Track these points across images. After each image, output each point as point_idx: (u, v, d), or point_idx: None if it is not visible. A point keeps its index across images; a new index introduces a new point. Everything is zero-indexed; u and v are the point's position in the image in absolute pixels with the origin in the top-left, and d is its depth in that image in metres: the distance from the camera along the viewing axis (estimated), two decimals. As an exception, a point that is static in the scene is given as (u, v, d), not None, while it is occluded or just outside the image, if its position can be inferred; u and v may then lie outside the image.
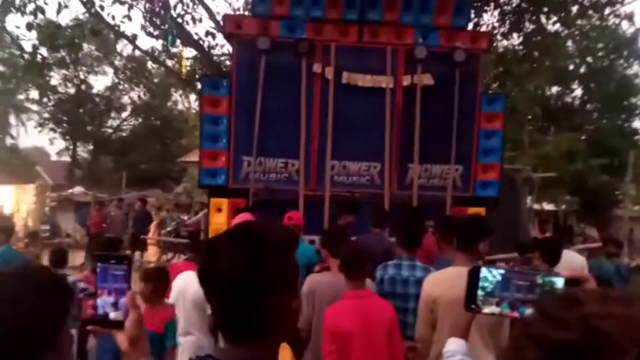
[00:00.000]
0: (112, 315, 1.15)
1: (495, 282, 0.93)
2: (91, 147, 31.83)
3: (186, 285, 3.67)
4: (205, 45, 10.35)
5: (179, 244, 11.98)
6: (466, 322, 1.63)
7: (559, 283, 0.89)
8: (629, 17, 19.22)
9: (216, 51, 11.03)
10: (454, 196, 5.91)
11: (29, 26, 9.27)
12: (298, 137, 5.75)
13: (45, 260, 7.27)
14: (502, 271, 0.93)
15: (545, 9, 9.81)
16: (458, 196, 5.95)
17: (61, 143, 32.07)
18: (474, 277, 0.94)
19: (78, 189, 18.57)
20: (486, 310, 0.94)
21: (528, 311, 0.90)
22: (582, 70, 21.22)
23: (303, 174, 5.77)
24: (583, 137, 19.17)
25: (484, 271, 0.93)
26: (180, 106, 31.18)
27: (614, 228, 17.25)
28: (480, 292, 0.93)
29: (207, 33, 10.41)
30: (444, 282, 2.57)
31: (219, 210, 5.78)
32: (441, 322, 2.51)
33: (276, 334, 1.08)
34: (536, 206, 15.48)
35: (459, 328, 1.68)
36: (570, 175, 16.75)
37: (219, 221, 5.73)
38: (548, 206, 17.82)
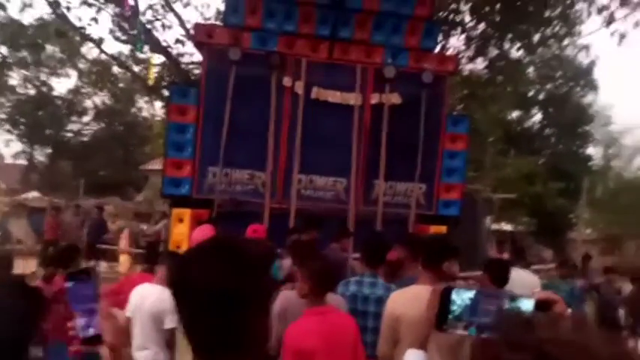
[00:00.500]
0: (90, 331, 1.13)
1: (464, 305, 0.93)
2: (49, 151, 30.72)
3: (143, 298, 3.56)
4: (174, 52, 10.24)
5: (137, 254, 11.68)
6: (426, 339, 1.64)
7: (529, 305, 0.91)
8: (586, 49, 20.18)
9: (185, 59, 10.93)
10: (417, 214, 6.00)
11: (-11, 23, 8.94)
12: (266, 149, 5.73)
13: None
14: (471, 295, 0.94)
15: (510, 35, 10.19)
16: (421, 214, 6.04)
17: (17, 146, 30.83)
18: (445, 297, 0.94)
19: (33, 194, 17.88)
20: (457, 331, 0.95)
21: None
22: (542, 96, 22.09)
23: (269, 187, 5.73)
24: (541, 161, 19.88)
25: (457, 293, 0.94)
26: (145, 113, 30.59)
27: (568, 250, 17.87)
28: (451, 315, 0.94)
29: (177, 41, 10.31)
30: (407, 300, 2.58)
31: (181, 220, 5.67)
32: (404, 340, 2.51)
33: (251, 351, 1.05)
34: (495, 226, 15.88)
35: (419, 345, 1.69)
36: (529, 197, 17.30)
37: (180, 232, 5.62)
38: (507, 226, 18.32)
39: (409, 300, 2.57)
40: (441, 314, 0.95)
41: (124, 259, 12.19)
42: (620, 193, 19.77)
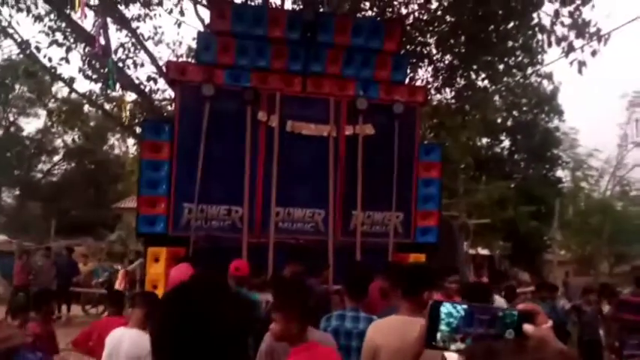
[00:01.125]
0: None
1: (459, 317, 0.93)
2: (17, 192, 29.91)
3: (120, 341, 3.45)
4: (146, 89, 10.22)
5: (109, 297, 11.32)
6: None
7: (514, 316, 0.92)
8: (549, 77, 20.99)
9: (158, 96, 10.92)
10: (395, 242, 6.03)
11: (-44, 65, 8.79)
12: (242, 184, 5.72)
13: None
14: (465, 306, 0.94)
15: (475, 66, 10.54)
16: (399, 242, 6.07)
17: (-17, 188, 29.92)
18: (434, 313, 0.93)
19: (1, 237, 17.27)
20: (452, 346, 0.94)
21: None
22: (509, 123, 22.74)
23: (247, 221, 5.69)
24: (512, 185, 20.31)
25: (448, 307, 0.94)
26: (116, 150, 30.22)
27: (545, 272, 18.11)
28: (445, 328, 0.93)
29: (149, 78, 10.31)
30: (387, 330, 2.56)
31: (157, 260, 5.56)
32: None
33: None
34: (471, 251, 16.03)
35: None
36: (502, 221, 17.58)
37: (156, 271, 5.50)
38: (483, 251, 18.51)
39: (389, 330, 2.56)
40: (431, 330, 0.94)
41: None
42: (590, 214, 20.27)
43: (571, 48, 7.46)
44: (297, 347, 2.48)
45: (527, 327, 0.90)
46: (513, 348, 0.77)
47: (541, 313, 0.93)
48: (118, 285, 11.67)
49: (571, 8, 7.44)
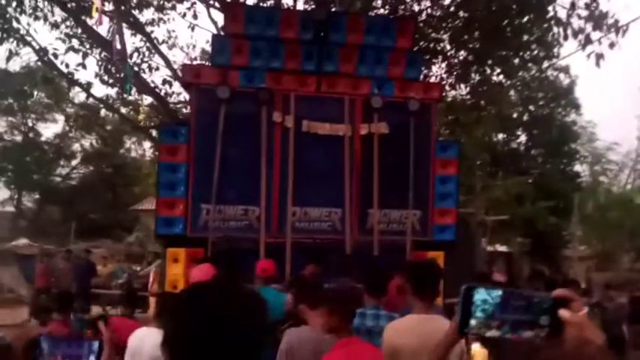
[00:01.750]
0: None
1: (494, 304, 0.91)
2: (37, 196, 30.44)
3: (142, 341, 3.49)
4: (162, 93, 10.33)
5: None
6: None
7: (550, 302, 0.91)
8: (565, 70, 20.69)
9: (172, 99, 11.03)
10: (413, 241, 6.00)
11: (-23, 73, 8.98)
12: (258, 184, 5.74)
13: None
14: (499, 292, 0.93)
15: (489, 61, 10.44)
16: (417, 240, 6.04)
17: (4, 193, 30.52)
18: (467, 299, 0.91)
19: (22, 241, 17.59)
20: (488, 333, 0.92)
21: (527, 333, 0.91)
22: (525, 117, 22.48)
23: (264, 221, 5.72)
24: (530, 181, 20.07)
25: (482, 292, 0.91)
26: (133, 154, 30.59)
27: (565, 268, 17.87)
28: (480, 315, 0.91)
29: (164, 81, 10.41)
30: (404, 330, 2.56)
31: (176, 260, 5.61)
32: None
33: None
34: (489, 248, 15.88)
35: None
36: (520, 217, 17.39)
37: (175, 272, 5.56)
38: (501, 248, 18.33)
39: (408, 330, 2.55)
40: (464, 317, 0.91)
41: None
42: (609, 209, 19.95)
43: (588, 40, 7.35)
44: (342, 341, 2.48)
45: (564, 312, 0.88)
46: (552, 345, 0.77)
47: (578, 300, 0.92)
48: (150, 286, 11.73)
49: (588, 0, 7.33)
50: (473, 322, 0.91)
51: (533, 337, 0.89)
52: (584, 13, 7.45)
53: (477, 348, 2.90)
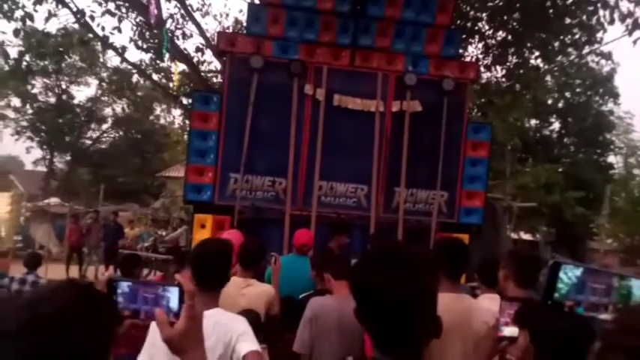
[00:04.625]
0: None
1: (571, 284, 0.91)
2: (68, 158, 31.25)
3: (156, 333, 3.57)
4: (194, 60, 10.37)
5: (155, 260, 11.77)
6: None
7: (631, 287, 0.90)
8: (607, 56, 19.91)
9: (204, 67, 11.07)
10: (439, 222, 5.96)
11: (16, 32, 9.16)
12: (287, 156, 5.75)
13: (15, 270, 7.03)
14: (578, 273, 0.92)
15: (529, 44, 10.13)
16: (442, 222, 6.00)
17: (37, 153, 31.41)
18: (554, 273, 0.92)
19: (54, 200, 18.13)
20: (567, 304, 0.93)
21: (603, 316, 0.91)
22: (560, 104, 21.85)
23: (290, 193, 5.75)
24: (560, 170, 19.63)
25: (567, 270, 0.92)
26: (162, 121, 30.98)
27: (589, 260, 17.55)
28: (556, 295, 0.92)
29: (197, 49, 10.44)
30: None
31: (203, 226, 5.70)
32: (439, 352, 2.48)
33: (421, 345, 1.20)
34: (514, 235, 15.69)
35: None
36: (548, 206, 17.07)
37: (202, 237, 5.63)
38: (526, 236, 18.10)
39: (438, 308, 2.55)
40: (549, 289, 0.93)
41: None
42: (641, 203, 19.42)
43: (636, 25, 7.04)
44: None
45: None
46: None
47: None
48: None
49: (639, -18, 7.00)
50: (556, 295, 0.92)
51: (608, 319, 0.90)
52: (635, -4, 7.13)
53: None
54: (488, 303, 2.81)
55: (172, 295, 1.11)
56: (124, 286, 1.14)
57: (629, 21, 7.16)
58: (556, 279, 0.91)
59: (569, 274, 0.91)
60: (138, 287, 1.14)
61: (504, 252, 3.58)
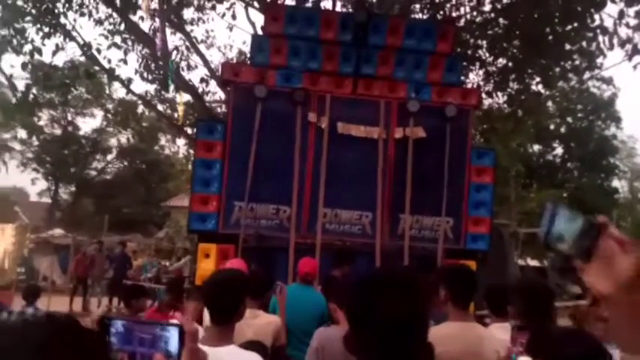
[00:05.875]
0: None
1: (571, 232, 0.90)
2: (73, 189, 31.38)
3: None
4: (199, 91, 10.51)
5: (159, 290, 11.65)
6: None
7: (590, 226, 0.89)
8: (608, 81, 20.09)
9: (208, 97, 11.21)
10: (445, 249, 5.90)
11: (24, 66, 9.32)
12: (291, 184, 5.75)
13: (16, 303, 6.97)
14: (563, 215, 0.92)
15: (529, 70, 10.21)
16: (448, 249, 5.94)
17: (42, 184, 31.57)
18: (553, 213, 0.92)
19: (57, 231, 18.12)
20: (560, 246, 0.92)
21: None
22: (563, 129, 21.93)
23: (294, 221, 5.72)
24: (565, 195, 19.55)
25: (563, 213, 0.91)
26: (167, 151, 31.21)
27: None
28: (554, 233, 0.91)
29: (202, 80, 10.60)
30: (446, 337, 2.49)
31: (207, 256, 5.66)
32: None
33: None
34: (520, 261, 15.50)
35: None
36: (553, 231, 16.90)
37: (206, 267, 5.58)
38: (532, 262, 17.88)
39: (447, 337, 2.49)
40: (548, 232, 0.93)
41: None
42: (648, 227, 19.24)
43: (636, 51, 7.11)
44: None
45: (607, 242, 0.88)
46: None
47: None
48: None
49: (638, 8, 7.09)
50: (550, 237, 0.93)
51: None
52: (634, 22, 7.22)
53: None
54: (499, 332, 2.74)
55: (172, 336, 1.05)
56: (119, 324, 1.08)
57: (628, 46, 7.23)
58: (553, 221, 0.92)
59: (573, 225, 0.90)
60: (133, 327, 1.08)
61: (512, 285, 3.49)
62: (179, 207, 21.10)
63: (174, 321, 1.09)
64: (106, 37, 10.01)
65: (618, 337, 0.90)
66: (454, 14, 10.19)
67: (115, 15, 9.67)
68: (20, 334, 0.82)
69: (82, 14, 9.65)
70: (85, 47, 9.48)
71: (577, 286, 16.89)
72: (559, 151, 22.61)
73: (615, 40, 7.48)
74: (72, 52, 10.99)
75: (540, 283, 3.34)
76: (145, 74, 10.40)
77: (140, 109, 16.72)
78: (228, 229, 5.68)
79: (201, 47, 10.97)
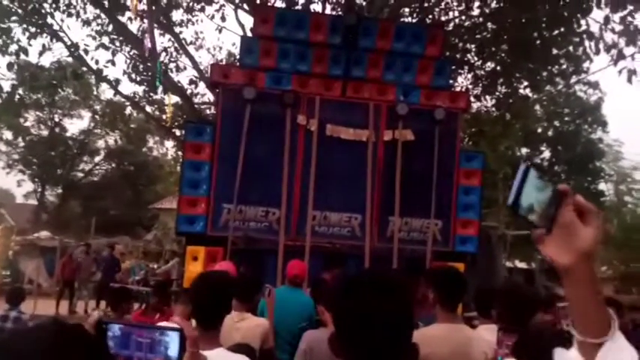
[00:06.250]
0: None
1: (541, 201, 0.86)
2: (60, 191, 31.02)
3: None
4: (188, 92, 10.45)
5: (146, 293, 11.55)
6: None
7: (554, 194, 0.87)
8: (594, 86, 20.33)
9: (197, 99, 11.16)
10: (433, 251, 5.92)
11: (10, 66, 9.21)
12: (280, 186, 5.74)
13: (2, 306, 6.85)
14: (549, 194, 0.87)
15: (517, 74, 10.32)
16: (437, 251, 5.96)
17: (29, 186, 31.18)
18: (524, 175, 0.86)
19: (44, 233, 17.89)
20: (530, 217, 0.88)
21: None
22: (550, 133, 22.14)
23: (283, 223, 5.71)
24: (552, 198, 19.68)
25: (533, 175, 0.86)
26: (155, 153, 30.99)
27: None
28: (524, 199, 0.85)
29: (191, 81, 10.55)
30: (434, 339, 2.50)
31: (195, 258, 5.62)
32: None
33: None
34: (508, 264, 15.62)
35: None
36: (541, 234, 17.03)
37: (195, 270, 5.53)
38: (520, 264, 18.03)
39: (436, 339, 2.49)
40: (517, 194, 0.87)
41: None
42: (634, 230, 19.45)
43: (621, 56, 7.21)
44: None
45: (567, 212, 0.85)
46: None
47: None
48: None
49: (623, 14, 7.19)
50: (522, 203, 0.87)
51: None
52: (619, 27, 7.32)
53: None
54: (487, 333, 2.76)
55: (172, 341, 1.02)
56: (116, 328, 1.05)
57: (613, 51, 7.33)
58: (523, 184, 0.86)
59: (541, 194, 0.87)
60: (131, 330, 1.05)
61: (498, 288, 3.48)
62: (167, 209, 20.97)
63: (174, 325, 1.07)
64: (94, 38, 9.94)
65: (573, 315, 0.87)
66: (443, 18, 10.27)
67: (103, 16, 9.61)
68: (33, 338, 0.88)
69: (70, 15, 9.57)
70: (73, 48, 9.40)
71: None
72: (546, 154, 22.84)
73: (601, 45, 7.59)
74: (59, 52, 10.88)
75: (519, 287, 3.32)
76: (133, 75, 10.34)
77: (128, 110, 16.55)
78: (216, 232, 5.65)
79: (190, 49, 10.92)
